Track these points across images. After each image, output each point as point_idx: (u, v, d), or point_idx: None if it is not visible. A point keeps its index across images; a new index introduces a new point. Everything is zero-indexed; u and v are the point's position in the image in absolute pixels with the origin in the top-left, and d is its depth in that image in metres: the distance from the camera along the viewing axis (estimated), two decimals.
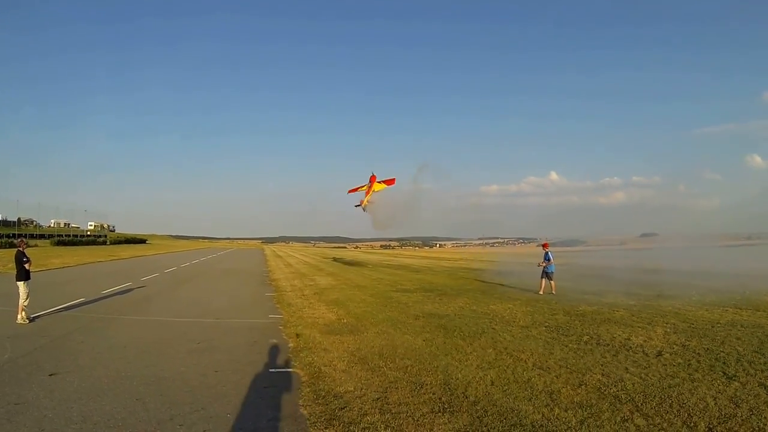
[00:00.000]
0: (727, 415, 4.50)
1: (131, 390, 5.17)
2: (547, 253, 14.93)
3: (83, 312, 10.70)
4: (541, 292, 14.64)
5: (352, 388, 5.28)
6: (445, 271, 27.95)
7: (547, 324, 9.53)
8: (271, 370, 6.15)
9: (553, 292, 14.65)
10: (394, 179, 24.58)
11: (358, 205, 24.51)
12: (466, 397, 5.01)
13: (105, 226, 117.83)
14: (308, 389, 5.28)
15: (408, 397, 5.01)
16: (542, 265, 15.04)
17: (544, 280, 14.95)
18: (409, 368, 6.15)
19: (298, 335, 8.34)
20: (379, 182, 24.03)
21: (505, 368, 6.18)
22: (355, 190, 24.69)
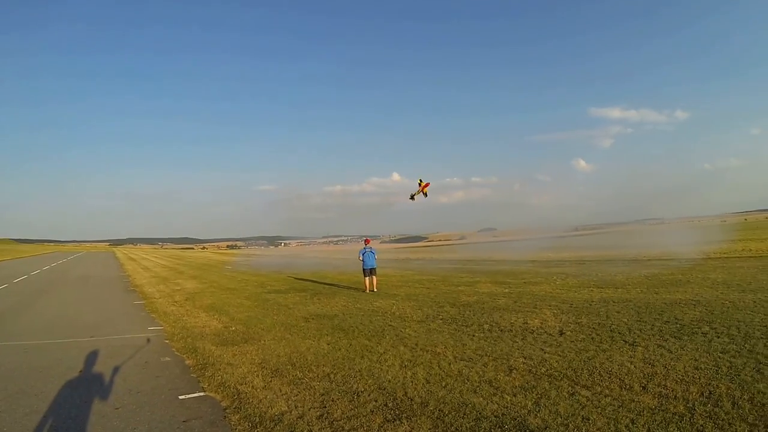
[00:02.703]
0: (650, 374, 5.81)
1: None
2: (365, 249, 17.16)
3: None
4: (366, 290, 16.48)
5: (286, 408, 5.36)
6: (307, 269, 31.69)
7: (441, 317, 10.73)
8: (180, 397, 6.00)
9: (375, 289, 16.61)
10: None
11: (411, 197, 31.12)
12: (411, 400, 5.38)
13: None
14: (237, 416, 5.22)
15: (352, 409, 5.19)
16: (361, 260, 17.14)
17: (367, 278, 16.87)
18: (331, 376, 6.47)
19: (193, 350, 8.55)
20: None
21: (429, 364, 6.81)
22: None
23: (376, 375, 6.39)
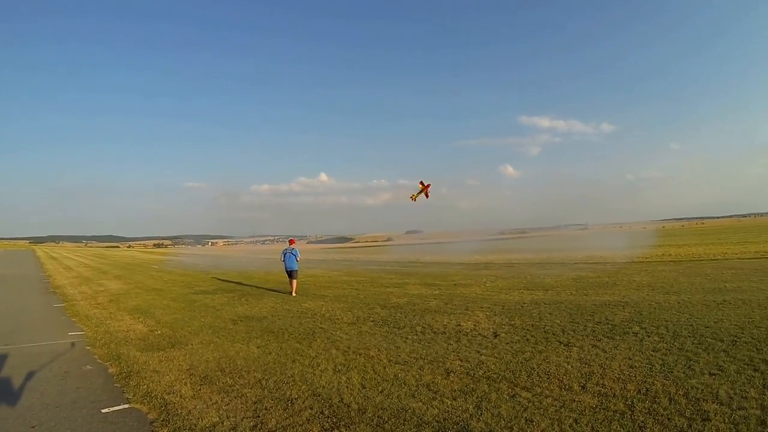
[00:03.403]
0: (588, 374, 6.08)
1: None
2: (286, 250, 16.86)
3: None
4: (294, 294, 16.13)
5: (218, 419, 5.25)
6: (233, 269, 32.03)
7: (372, 319, 10.85)
8: (104, 410, 5.73)
9: (293, 293, 16.18)
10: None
11: (413, 196, 34.42)
12: (348, 406, 5.34)
13: None
14: (165, 430, 5.06)
15: (287, 418, 5.11)
16: (282, 261, 16.83)
17: (293, 280, 16.55)
18: (263, 383, 6.43)
19: (117, 357, 8.33)
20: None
21: (364, 368, 6.83)
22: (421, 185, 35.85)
23: (310, 380, 6.38)
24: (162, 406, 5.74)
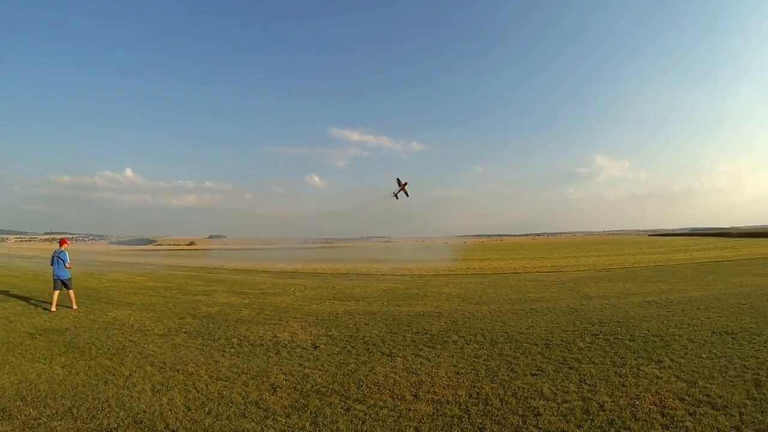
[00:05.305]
0: (417, 383, 6.52)
1: None
2: (54, 253, 14.25)
3: None
4: (53, 309, 13.44)
5: None
6: (28, 271, 28.61)
7: (185, 330, 10.40)
8: None
9: (74, 306, 13.73)
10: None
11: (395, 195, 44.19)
12: None
13: None
14: None
15: None
16: (69, 267, 14.00)
17: (56, 291, 13.88)
18: (74, 411, 5.79)
19: None
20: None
21: (185, 387, 6.48)
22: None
23: (128, 404, 5.88)
24: None
